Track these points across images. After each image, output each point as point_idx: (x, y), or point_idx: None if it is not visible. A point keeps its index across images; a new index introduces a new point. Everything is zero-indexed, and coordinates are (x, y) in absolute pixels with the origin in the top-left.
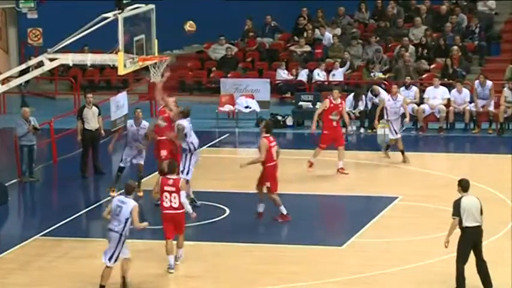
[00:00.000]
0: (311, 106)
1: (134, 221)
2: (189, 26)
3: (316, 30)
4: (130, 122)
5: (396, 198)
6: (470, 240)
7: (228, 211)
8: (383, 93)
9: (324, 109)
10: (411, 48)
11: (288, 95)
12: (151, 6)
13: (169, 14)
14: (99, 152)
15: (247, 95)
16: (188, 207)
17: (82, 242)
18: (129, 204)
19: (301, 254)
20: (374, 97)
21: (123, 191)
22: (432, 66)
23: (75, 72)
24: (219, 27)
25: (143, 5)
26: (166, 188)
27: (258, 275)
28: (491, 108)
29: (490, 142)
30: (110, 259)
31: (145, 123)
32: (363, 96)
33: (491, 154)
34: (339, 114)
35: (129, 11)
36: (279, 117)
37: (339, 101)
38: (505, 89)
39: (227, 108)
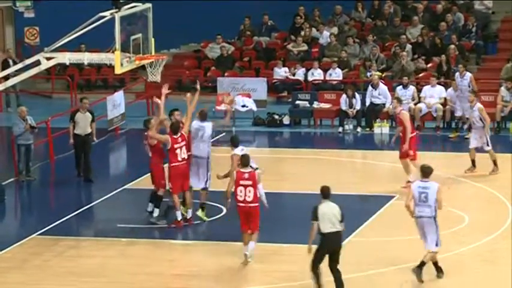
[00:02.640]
0: (308, 105)
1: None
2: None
3: (313, 29)
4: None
5: (393, 197)
6: (327, 246)
7: (225, 210)
8: (383, 87)
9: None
10: (408, 47)
11: (285, 94)
12: (148, 5)
13: (166, 12)
14: (90, 159)
15: (244, 94)
16: (264, 200)
17: (79, 241)
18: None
19: (299, 253)
20: (374, 89)
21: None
22: (429, 65)
23: (72, 71)
24: (216, 26)
25: (140, 4)
26: (241, 182)
27: (256, 274)
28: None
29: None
30: (436, 244)
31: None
32: (355, 93)
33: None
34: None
35: (126, 10)
36: (276, 116)
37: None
38: (502, 88)
39: (224, 107)
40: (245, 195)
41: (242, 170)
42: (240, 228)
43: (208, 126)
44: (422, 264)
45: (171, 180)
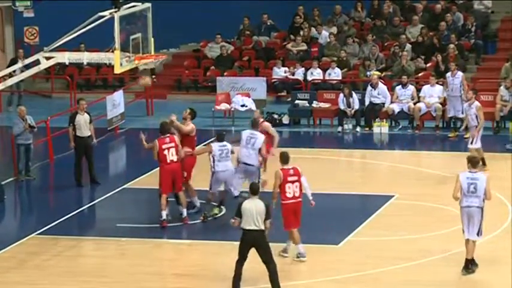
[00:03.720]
0: (307, 104)
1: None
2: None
3: (313, 29)
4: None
5: (392, 196)
6: (247, 242)
7: (224, 210)
8: (382, 86)
9: None
10: (408, 46)
11: (284, 93)
12: (148, 4)
13: (165, 12)
14: (94, 160)
15: (244, 94)
16: (309, 192)
17: (78, 240)
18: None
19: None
20: (373, 89)
21: None
22: (428, 64)
23: (71, 71)
24: (215, 25)
25: (140, 4)
26: (289, 178)
27: (256, 273)
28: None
29: (487, 141)
30: (478, 234)
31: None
32: (353, 93)
33: (488, 153)
34: None
35: (125, 10)
36: (275, 116)
37: None
38: (501, 87)
39: (223, 106)
40: (293, 191)
41: (285, 167)
42: (284, 227)
43: (260, 135)
44: (470, 261)
45: (160, 180)
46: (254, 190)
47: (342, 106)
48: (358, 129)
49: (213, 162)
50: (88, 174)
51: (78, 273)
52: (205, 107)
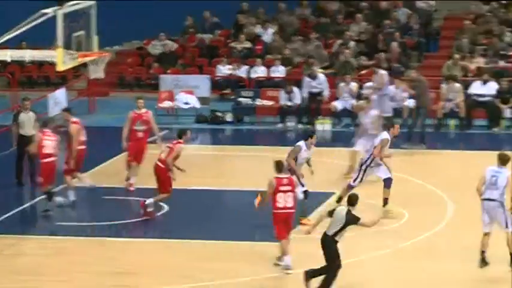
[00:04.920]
0: (251, 102)
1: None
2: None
3: (257, 26)
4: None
5: (333, 193)
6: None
7: (166, 207)
8: (322, 77)
9: None
10: (351, 44)
11: (228, 91)
12: (92, 2)
13: (109, 9)
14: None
15: (187, 91)
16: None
17: (18, 239)
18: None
19: (242, 250)
20: (312, 80)
21: None
22: (371, 62)
23: (12, 68)
24: (159, 23)
25: (83, 1)
26: (281, 188)
27: (196, 271)
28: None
29: (428, 138)
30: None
31: None
32: (293, 88)
33: (430, 150)
34: None
35: (69, 7)
36: (219, 114)
37: None
38: (443, 85)
39: (166, 104)
40: (285, 201)
41: (279, 176)
42: (275, 236)
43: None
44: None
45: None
46: (351, 201)
47: (282, 101)
48: (300, 126)
49: None
50: (29, 173)
51: (17, 272)
52: (148, 105)
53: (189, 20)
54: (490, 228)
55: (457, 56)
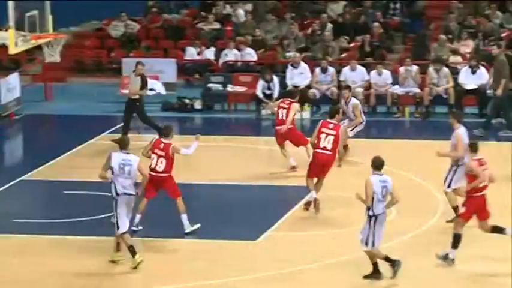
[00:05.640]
0: (221, 88)
1: None
2: None
3: (227, 6)
4: None
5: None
6: None
7: None
8: (304, 65)
9: None
10: (329, 25)
11: (197, 76)
12: None
13: None
14: None
15: (152, 76)
16: None
17: None
18: None
19: (214, 249)
20: (294, 68)
21: None
22: (352, 44)
23: None
24: (119, 2)
25: None
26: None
27: (166, 272)
28: (416, 90)
29: (415, 126)
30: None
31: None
32: (274, 77)
33: (415, 140)
34: None
35: None
36: (187, 101)
37: None
38: (430, 69)
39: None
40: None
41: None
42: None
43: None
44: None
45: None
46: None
47: (260, 94)
48: None
49: None
50: None
51: None
52: (110, 91)
53: None
54: None
55: (443, 37)
